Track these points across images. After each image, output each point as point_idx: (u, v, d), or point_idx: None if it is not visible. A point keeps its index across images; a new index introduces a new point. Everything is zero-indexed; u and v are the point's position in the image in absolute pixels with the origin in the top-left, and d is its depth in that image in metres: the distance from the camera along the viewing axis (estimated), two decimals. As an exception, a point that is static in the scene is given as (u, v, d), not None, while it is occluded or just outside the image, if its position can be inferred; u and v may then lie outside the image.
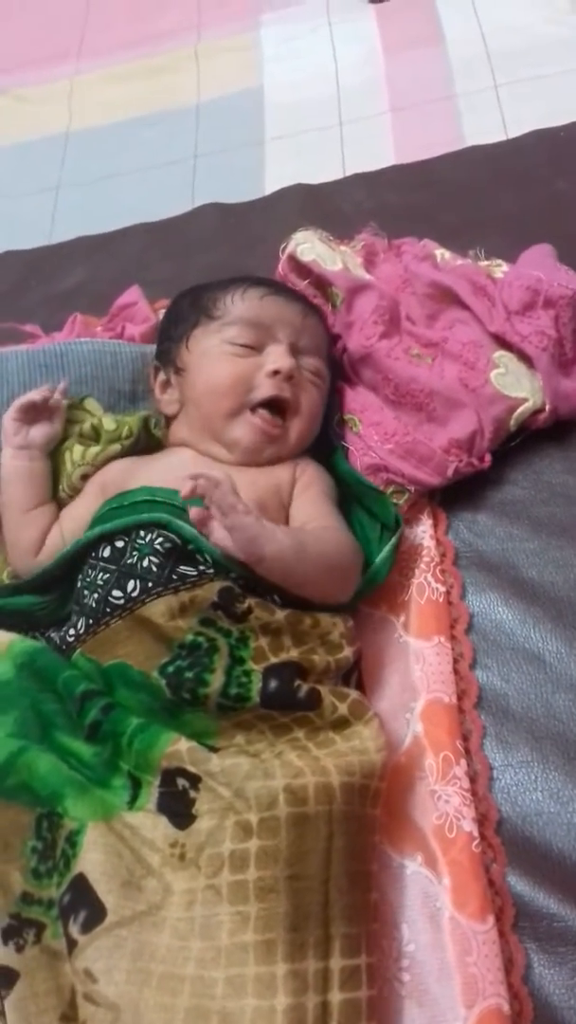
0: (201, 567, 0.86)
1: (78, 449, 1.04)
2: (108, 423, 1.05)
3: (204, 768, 0.76)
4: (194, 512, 0.83)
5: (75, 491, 1.03)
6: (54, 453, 1.05)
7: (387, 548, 0.95)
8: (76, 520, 0.99)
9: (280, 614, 0.84)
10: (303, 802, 0.73)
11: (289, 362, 0.98)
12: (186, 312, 1.05)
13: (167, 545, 0.87)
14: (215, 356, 1.00)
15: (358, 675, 0.92)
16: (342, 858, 0.73)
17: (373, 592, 0.96)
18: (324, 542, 0.91)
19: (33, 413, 1.03)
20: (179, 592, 0.84)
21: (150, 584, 0.85)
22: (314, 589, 0.88)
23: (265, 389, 0.97)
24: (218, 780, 0.75)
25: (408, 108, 1.51)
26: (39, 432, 1.04)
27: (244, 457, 0.98)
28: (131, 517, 0.90)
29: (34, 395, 1.03)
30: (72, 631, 0.89)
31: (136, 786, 0.78)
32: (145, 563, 0.87)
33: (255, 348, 1.00)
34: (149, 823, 0.76)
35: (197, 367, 1.01)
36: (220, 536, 0.83)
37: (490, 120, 1.43)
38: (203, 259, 1.36)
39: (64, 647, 0.89)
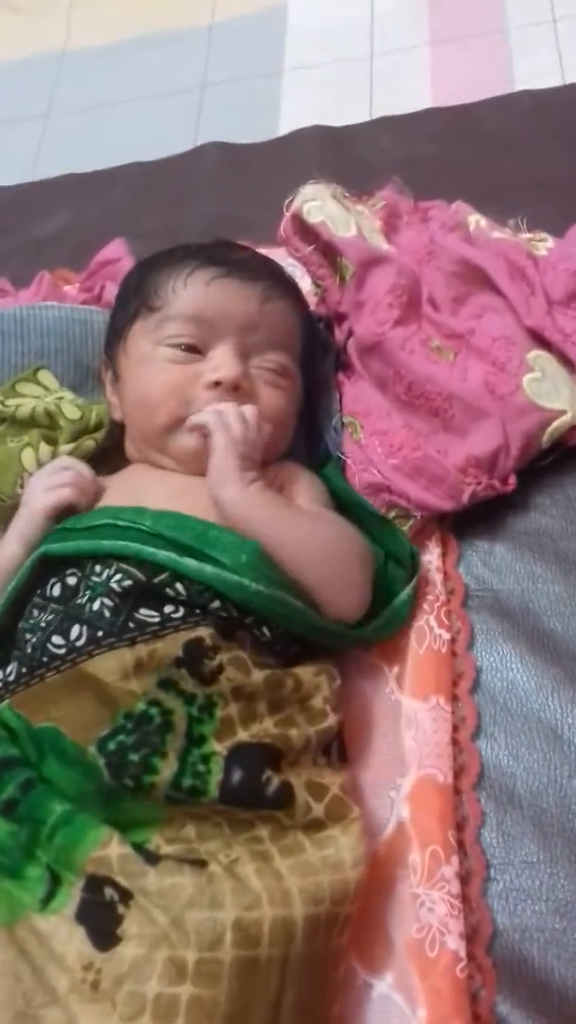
0: (168, 609, 0.71)
1: (45, 448, 0.86)
2: (69, 410, 0.89)
3: (137, 884, 0.61)
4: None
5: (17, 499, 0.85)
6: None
7: (408, 589, 0.81)
8: None
9: (258, 675, 0.69)
10: (254, 943, 0.59)
11: (233, 370, 0.81)
12: (130, 295, 0.88)
13: (126, 583, 0.71)
14: (149, 363, 0.83)
15: (340, 741, 0.76)
16: (293, 1013, 0.59)
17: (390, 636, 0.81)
18: (321, 518, 0.80)
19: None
20: (135, 645, 0.69)
21: (99, 633, 0.70)
22: (312, 571, 0.75)
23: (201, 405, 0.81)
24: (154, 901, 0.60)
25: (451, 41, 1.32)
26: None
27: (199, 467, 0.81)
28: (87, 542, 0.74)
29: (73, 497, 0.82)
30: (1, 675, 0.75)
31: (55, 882, 0.63)
32: (96, 606, 0.71)
33: (198, 349, 0.83)
34: (63, 933, 0.61)
35: (133, 376, 0.85)
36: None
37: (545, 59, 1.25)
38: (200, 209, 1.21)
39: None
